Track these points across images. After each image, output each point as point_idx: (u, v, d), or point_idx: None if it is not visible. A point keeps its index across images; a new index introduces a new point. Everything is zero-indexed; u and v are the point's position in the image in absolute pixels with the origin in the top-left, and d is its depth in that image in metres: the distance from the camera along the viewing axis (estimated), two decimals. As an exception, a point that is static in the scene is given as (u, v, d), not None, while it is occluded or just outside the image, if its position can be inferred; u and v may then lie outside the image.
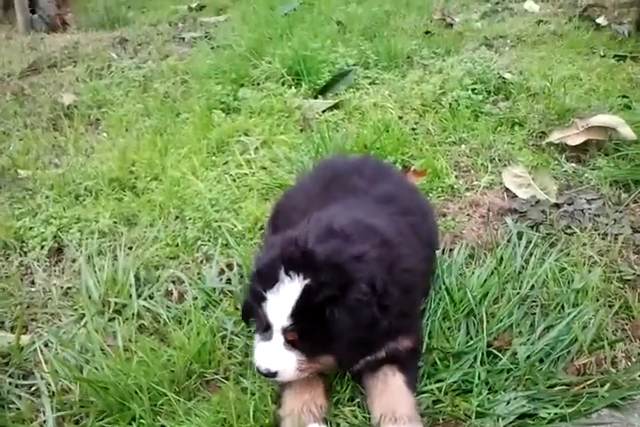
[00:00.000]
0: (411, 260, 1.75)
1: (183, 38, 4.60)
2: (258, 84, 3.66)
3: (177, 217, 2.49)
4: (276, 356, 1.57)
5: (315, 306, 1.52)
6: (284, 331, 1.56)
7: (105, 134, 3.23)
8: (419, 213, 2.01)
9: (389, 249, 1.68)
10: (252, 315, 1.69)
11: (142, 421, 1.59)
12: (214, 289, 2.08)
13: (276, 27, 4.44)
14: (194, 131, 3.11)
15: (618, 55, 3.83)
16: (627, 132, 2.73)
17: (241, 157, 2.86)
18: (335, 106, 3.34)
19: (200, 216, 2.44)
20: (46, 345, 1.92)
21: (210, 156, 2.92)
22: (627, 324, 1.94)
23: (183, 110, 3.37)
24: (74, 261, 2.30)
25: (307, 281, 1.53)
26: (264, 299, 1.55)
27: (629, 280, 2.07)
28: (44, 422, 1.69)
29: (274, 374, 1.57)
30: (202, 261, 2.24)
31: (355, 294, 1.53)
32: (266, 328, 1.59)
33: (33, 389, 1.81)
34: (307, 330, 1.56)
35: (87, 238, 2.37)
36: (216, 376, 1.78)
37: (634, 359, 1.81)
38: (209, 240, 2.33)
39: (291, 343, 1.58)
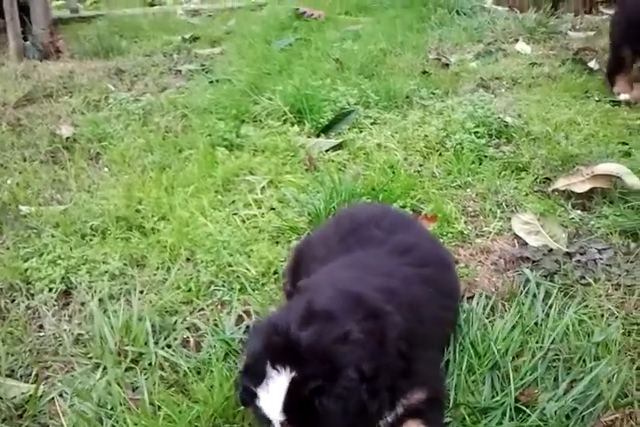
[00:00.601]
0: (421, 311, 1.74)
1: (180, 71, 4.59)
2: (260, 120, 3.66)
3: (188, 259, 2.45)
4: None
5: (304, 398, 1.47)
6: (282, 424, 1.51)
7: (107, 169, 3.18)
8: (437, 264, 2.00)
9: (379, 317, 1.63)
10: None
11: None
12: (233, 339, 2.04)
13: (273, 62, 4.47)
14: (198, 168, 3.09)
15: (613, 100, 3.92)
16: (633, 181, 2.78)
17: (248, 197, 2.85)
18: (339, 145, 3.35)
19: (212, 259, 2.40)
20: (60, 395, 1.85)
21: (217, 195, 2.90)
22: (648, 378, 1.95)
23: (186, 146, 3.35)
24: (83, 304, 2.24)
25: (293, 374, 1.47)
26: (256, 395, 1.51)
27: (648, 333, 2.09)
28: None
29: None
30: (217, 307, 2.20)
31: (341, 382, 1.48)
32: (267, 422, 1.54)
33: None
34: (302, 421, 1.51)
35: (96, 281, 2.31)
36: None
37: (661, 416, 1.81)
38: (223, 285, 2.29)
39: None
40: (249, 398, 1.53)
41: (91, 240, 2.56)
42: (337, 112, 3.65)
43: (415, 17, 5.64)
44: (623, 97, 3.91)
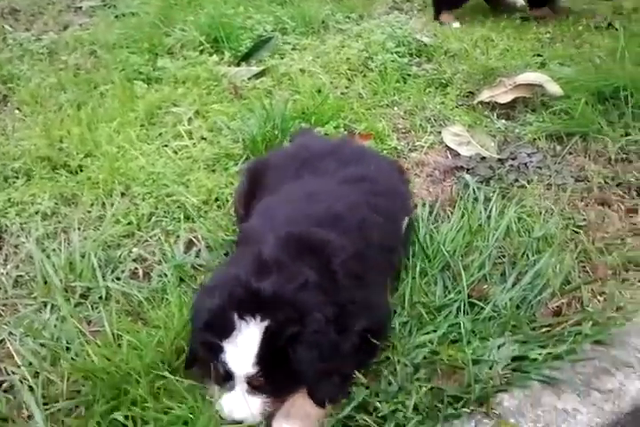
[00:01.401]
0: (369, 235, 1.77)
1: (80, 7, 4.28)
2: (175, 52, 3.50)
3: (123, 194, 2.35)
4: (243, 404, 1.50)
5: (277, 347, 1.46)
6: (249, 379, 1.49)
7: (18, 111, 2.97)
8: (389, 195, 1.98)
9: (325, 251, 1.64)
10: (198, 363, 1.59)
11: (146, 404, 1.51)
12: (185, 264, 1.99)
13: (180, -7, 4.25)
14: (119, 103, 2.94)
15: (522, 17, 3.99)
16: (554, 88, 2.87)
17: (177, 128, 2.74)
18: (262, 73, 3.25)
19: (149, 191, 2.32)
20: (11, 335, 1.77)
21: (142, 128, 2.77)
22: (584, 266, 2.07)
23: (100, 82, 3.16)
24: (17, 246, 2.12)
25: (265, 323, 1.46)
26: (221, 350, 1.47)
27: (581, 226, 2.20)
28: (29, 417, 1.57)
29: (241, 422, 1.51)
30: (162, 237, 2.14)
31: (311, 326, 1.48)
32: (225, 379, 1.51)
33: (5, 385, 1.67)
34: (273, 373, 1.49)
35: (28, 222, 2.19)
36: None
37: (600, 298, 1.94)
38: (165, 216, 2.22)
39: (256, 389, 1.51)
40: (212, 354, 1.49)
41: (14, 182, 2.41)
42: (255, 40, 3.53)
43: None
44: (455, 25, 3.92)
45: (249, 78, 3.22)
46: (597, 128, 2.67)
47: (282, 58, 3.41)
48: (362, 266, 1.70)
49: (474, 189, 2.32)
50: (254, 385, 1.50)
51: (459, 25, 3.92)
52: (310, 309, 1.49)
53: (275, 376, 1.49)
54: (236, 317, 1.46)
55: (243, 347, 1.46)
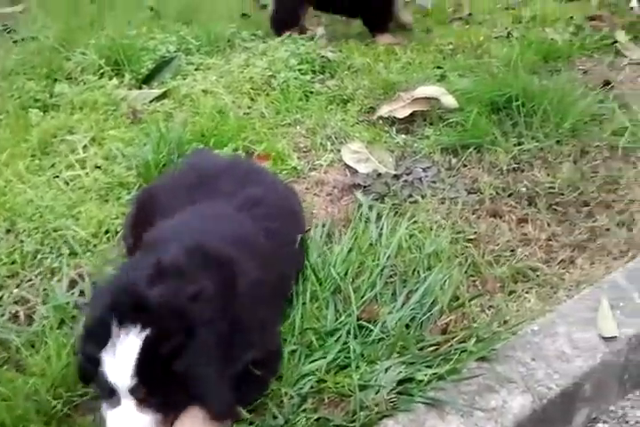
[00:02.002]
0: (267, 261, 1.74)
1: (-24, 33, 4.15)
2: (75, 77, 3.41)
3: (8, 230, 2.26)
4: (130, 421, 1.42)
5: (159, 358, 1.39)
6: (132, 392, 1.41)
7: None
8: (284, 217, 1.98)
9: (228, 269, 1.60)
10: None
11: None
12: (67, 304, 1.93)
13: (83, 15, 4.16)
14: (11, 133, 2.84)
15: (425, 29, 4.06)
16: (449, 100, 2.91)
17: (70, 158, 2.67)
18: (163, 95, 3.20)
19: (36, 227, 2.24)
20: None
21: (34, 159, 2.69)
22: (475, 280, 2.10)
23: (-6, 112, 3.06)
24: None
25: (145, 332, 1.39)
26: (100, 362, 1.40)
27: (472, 239, 2.23)
28: None
29: None
30: (47, 276, 2.07)
31: (198, 338, 1.42)
32: (110, 393, 1.43)
33: None
34: (157, 386, 1.42)
35: None
36: (85, 398, 1.67)
37: (488, 312, 1.96)
38: (50, 252, 2.15)
39: (144, 404, 1.43)
40: (92, 365, 1.41)
41: None
42: (157, 61, 3.48)
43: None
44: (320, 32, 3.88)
45: (150, 101, 3.16)
46: (491, 139, 2.72)
47: (184, 79, 3.36)
48: (262, 291, 1.67)
49: (368, 207, 2.33)
50: (140, 399, 1.42)
51: (324, 31, 3.94)
52: (199, 321, 1.43)
53: (160, 390, 1.42)
54: (114, 325, 1.39)
55: (121, 357, 1.38)
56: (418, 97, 2.95)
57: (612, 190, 2.49)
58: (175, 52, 3.62)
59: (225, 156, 2.55)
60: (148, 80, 3.34)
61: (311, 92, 3.22)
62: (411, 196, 2.44)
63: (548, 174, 2.56)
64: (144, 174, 2.49)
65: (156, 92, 3.22)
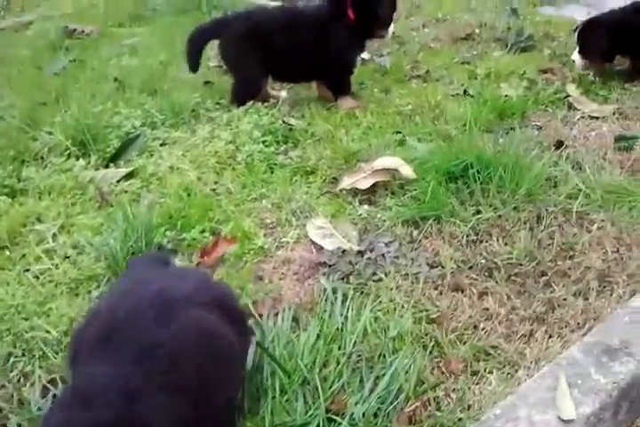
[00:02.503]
0: None
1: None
2: (42, 158, 3.47)
3: (-20, 333, 2.29)
4: None
5: None
6: None
7: None
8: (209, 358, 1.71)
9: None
10: None
11: None
12: (40, 410, 1.96)
13: (48, 90, 4.24)
14: (-21, 225, 2.88)
15: (385, 89, 4.19)
16: (407, 171, 3.01)
17: (39, 249, 2.71)
18: (130, 174, 3.27)
19: (7, 328, 2.27)
20: None
21: (3, 251, 2.73)
22: (439, 361, 2.16)
23: (-41, 201, 3.10)
24: None
25: None
26: None
27: (435, 318, 2.30)
28: None
29: None
30: (19, 381, 2.10)
31: None
32: None
33: None
34: None
35: None
36: None
37: (453, 396, 2.02)
38: (23, 354, 2.18)
39: None
40: None
41: None
42: (123, 138, 3.55)
43: (192, 22, 5.56)
44: (283, 95, 4.12)
45: (117, 181, 3.23)
46: (449, 209, 2.82)
47: (151, 155, 3.43)
48: None
49: (332, 290, 2.39)
50: None
51: (285, 94, 4.10)
52: None
53: None
54: None
55: None
56: (378, 168, 3.05)
57: (569, 257, 2.58)
58: (141, 126, 3.70)
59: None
60: (114, 159, 3.41)
61: (275, 164, 3.31)
62: (374, 273, 2.50)
63: (506, 244, 2.65)
64: (113, 266, 2.54)
65: (123, 171, 3.29)
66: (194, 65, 4.01)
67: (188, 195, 3.05)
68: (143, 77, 4.41)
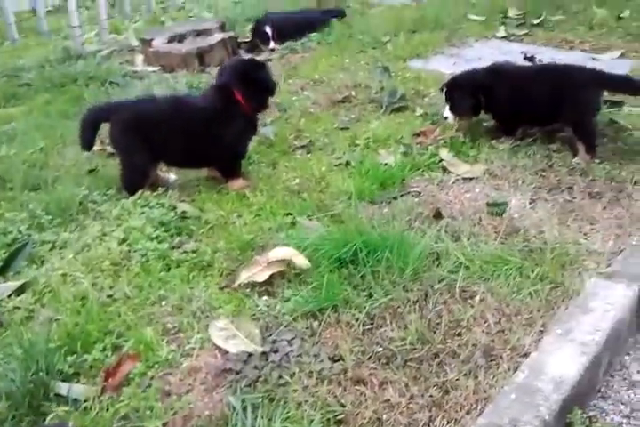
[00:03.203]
0: None
1: None
2: None
3: None
4: None
5: None
6: None
7: None
8: None
9: None
10: None
11: None
12: None
13: None
14: None
15: (272, 163, 4.32)
16: (301, 261, 3.13)
17: None
18: (21, 287, 3.21)
19: None
20: None
21: None
22: (351, 462, 2.27)
23: None
24: None
25: None
26: None
27: (342, 418, 2.41)
28: None
29: None
30: None
31: None
32: None
33: None
34: None
35: None
36: None
37: None
38: None
39: None
40: None
41: None
42: (9, 247, 3.47)
43: (69, 98, 5.53)
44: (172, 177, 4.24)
45: (9, 296, 3.15)
46: (344, 297, 2.96)
47: (42, 263, 3.38)
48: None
49: (242, 401, 2.46)
50: None
51: (174, 176, 4.22)
52: None
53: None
54: None
55: None
56: (273, 260, 3.15)
57: (456, 335, 2.78)
58: (27, 229, 3.62)
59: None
60: (2, 271, 3.33)
61: (172, 261, 3.33)
62: (280, 377, 2.58)
63: (400, 327, 2.81)
64: (15, 405, 2.48)
65: (14, 284, 3.21)
66: (87, 144, 4.04)
67: (84, 305, 3.02)
68: (24, 169, 4.32)
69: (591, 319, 2.80)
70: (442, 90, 4.61)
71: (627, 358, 2.93)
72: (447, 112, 4.52)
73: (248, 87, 3.99)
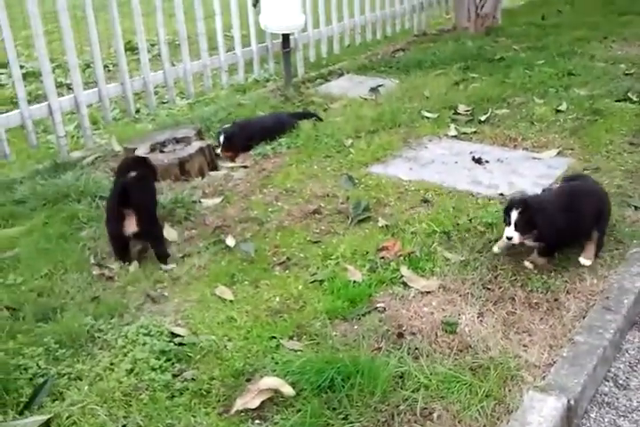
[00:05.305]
0: None
1: None
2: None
3: None
4: None
5: None
6: None
7: None
8: None
9: None
10: None
11: None
12: None
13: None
14: None
15: (254, 281, 4.92)
16: (287, 390, 3.70)
17: None
18: (47, 422, 3.70)
19: None
20: None
21: None
22: None
23: None
24: None
25: None
26: None
27: None
28: None
29: None
30: None
31: None
32: None
33: None
34: None
35: None
36: None
37: None
38: None
39: None
40: None
41: None
42: (30, 381, 3.97)
43: (65, 218, 6.05)
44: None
45: (36, 429, 3.65)
46: (326, 420, 3.52)
47: (63, 399, 3.85)
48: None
49: None
50: None
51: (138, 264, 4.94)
52: None
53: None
54: None
55: None
56: (263, 388, 3.72)
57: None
58: (45, 363, 4.13)
59: None
60: (27, 406, 3.82)
61: (175, 389, 3.87)
62: None
63: (372, 451, 3.38)
64: None
65: (41, 419, 3.70)
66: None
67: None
68: (33, 298, 4.83)
69: (528, 433, 3.41)
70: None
71: (562, 459, 3.54)
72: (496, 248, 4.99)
73: None
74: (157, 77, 8.75)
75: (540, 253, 4.86)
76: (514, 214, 4.62)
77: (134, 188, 5.17)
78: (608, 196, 5.20)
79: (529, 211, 4.60)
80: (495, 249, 5.02)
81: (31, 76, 10.20)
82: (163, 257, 5.17)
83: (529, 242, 4.81)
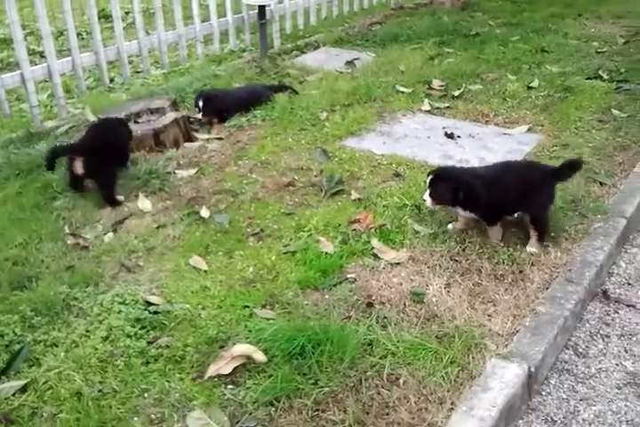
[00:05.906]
0: None
1: None
2: None
3: None
4: None
5: None
6: None
7: None
8: None
9: None
10: None
11: None
12: None
13: None
14: None
15: (228, 251, 5.01)
16: (259, 356, 3.83)
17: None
18: (24, 387, 3.79)
19: None
20: None
21: None
22: None
23: None
24: None
25: None
26: None
27: None
28: None
29: None
30: None
31: None
32: None
33: None
34: None
35: None
36: None
37: None
38: None
39: None
40: None
41: None
42: (7, 347, 4.04)
43: (39, 188, 6.05)
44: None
45: (13, 395, 3.72)
46: (296, 385, 3.66)
47: (40, 365, 3.93)
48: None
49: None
50: None
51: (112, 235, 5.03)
52: None
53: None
54: None
55: None
56: (236, 354, 3.84)
57: (385, 414, 3.51)
58: (21, 330, 4.19)
59: None
60: (4, 372, 3.89)
61: (150, 356, 3.98)
62: (247, 461, 3.27)
63: (340, 410, 3.52)
64: None
65: (18, 384, 3.78)
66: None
67: (80, 400, 3.63)
68: (9, 267, 4.87)
69: (489, 397, 3.58)
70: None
71: (520, 422, 3.74)
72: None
73: None
74: (132, 47, 8.67)
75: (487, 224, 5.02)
76: (427, 181, 4.97)
77: (89, 132, 6.06)
78: (549, 182, 4.95)
79: (440, 179, 4.90)
80: (449, 226, 5.21)
81: (2, 43, 10.03)
82: (107, 201, 5.71)
83: (462, 212, 5.03)
